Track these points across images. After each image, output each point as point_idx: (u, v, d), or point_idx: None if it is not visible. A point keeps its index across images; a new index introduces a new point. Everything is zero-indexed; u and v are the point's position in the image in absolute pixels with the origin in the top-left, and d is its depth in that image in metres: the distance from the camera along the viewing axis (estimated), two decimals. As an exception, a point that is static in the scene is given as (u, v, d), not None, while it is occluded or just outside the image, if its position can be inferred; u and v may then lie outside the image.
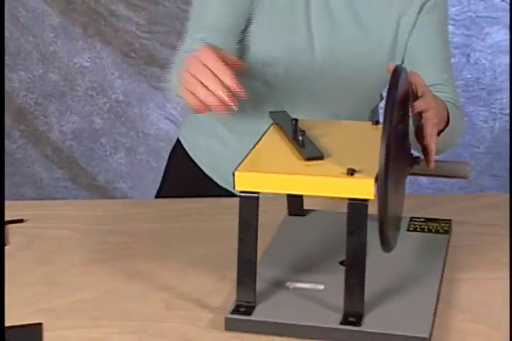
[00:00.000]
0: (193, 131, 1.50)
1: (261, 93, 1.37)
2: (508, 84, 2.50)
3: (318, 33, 1.32)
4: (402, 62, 1.36)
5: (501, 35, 2.48)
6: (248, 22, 1.30)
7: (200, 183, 1.46)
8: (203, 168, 1.47)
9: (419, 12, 1.34)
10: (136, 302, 1.06)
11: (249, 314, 0.98)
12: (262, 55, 1.33)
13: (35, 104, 2.58)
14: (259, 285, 1.00)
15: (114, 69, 2.55)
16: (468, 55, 2.51)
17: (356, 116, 1.37)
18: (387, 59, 1.34)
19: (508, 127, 2.53)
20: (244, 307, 0.99)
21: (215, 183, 1.46)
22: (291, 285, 1.04)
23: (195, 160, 1.48)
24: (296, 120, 1.06)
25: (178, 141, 1.53)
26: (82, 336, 0.99)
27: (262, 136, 1.08)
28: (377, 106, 1.47)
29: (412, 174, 1.04)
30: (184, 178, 1.50)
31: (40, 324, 1.01)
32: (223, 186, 1.44)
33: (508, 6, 2.45)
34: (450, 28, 2.46)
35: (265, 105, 1.35)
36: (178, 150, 1.52)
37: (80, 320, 1.03)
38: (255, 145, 1.05)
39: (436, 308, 1.00)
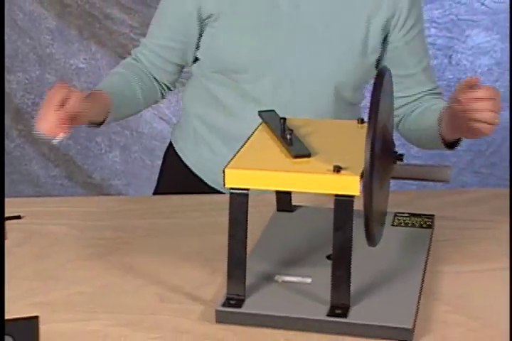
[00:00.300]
0: (182, 135, 1.50)
1: (243, 100, 1.36)
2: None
3: (287, 37, 1.31)
4: (379, 60, 1.36)
5: (481, 37, 2.49)
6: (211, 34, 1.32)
7: (192, 184, 1.46)
8: (193, 169, 1.47)
9: (401, 26, 1.33)
10: (130, 295, 1.06)
11: (240, 307, 0.98)
12: (234, 64, 1.33)
13: (32, 104, 2.56)
14: (249, 279, 1.00)
15: (109, 70, 2.52)
16: (450, 57, 2.51)
17: (337, 115, 1.36)
18: (358, 59, 1.33)
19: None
20: (234, 300, 0.98)
21: (206, 184, 1.45)
22: (279, 278, 1.04)
23: (186, 163, 1.48)
24: (284, 119, 1.06)
25: (170, 142, 1.54)
26: (78, 328, 0.99)
27: (252, 134, 1.08)
28: (360, 104, 1.46)
29: (395, 178, 1.04)
30: (177, 178, 1.50)
31: (36, 317, 1.01)
32: (214, 187, 1.44)
33: (488, 10, 2.46)
34: (433, 30, 2.48)
35: (248, 111, 1.35)
36: (171, 151, 1.53)
37: (75, 313, 1.02)
38: (244, 143, 1.05)
39: (419, 300, 1.01)
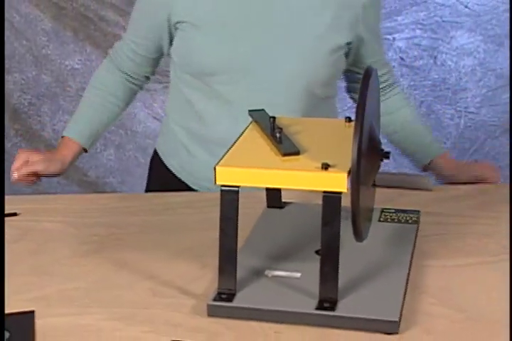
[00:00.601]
0: (164, 139, 1.51)
1: (215, 104, 1.36)
2: (471, 84, 2.51)
3: (256, 40, 1.31)
4: (348, 52, 1.37)
5: (465, 38, 2.49)
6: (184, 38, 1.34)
7: (176, 187, 1.45)
8: (175, 173, 1.47)
9: (367, 19, 1.35)
10: (124, 290, 1.06)
11: (230, 301, 0.98)
12: (206, 66, 1.33)
13: (29, 104, 2.55)
14: (240, 274, 1.00)
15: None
16: (435, 57, 2.52)
17: (310, 111, 1.36)
18: (327, 56, 1.33)
19: (470, 124, 2.55)
20: (225, 295, 0.98)
21: (190, 187, 1.45)
22: (269, 273, 1.04)
23: (168, 167, 1.48)
24: (273, 118, 1.06)
25: (155, 148, 1.55)
26: (73, 323, 0.98)
27: (242, 133, 1.08)
28: (334, 97, 1.47)
29: (378, 186, 1.04)
30: (163, 182, 1.50)
31: (32, 311, 1.00)
32: (197, 189, 1.44)
33: (471, 12, 2.46)
34: (418, 31, 2.48)
35: (221, 115, 1.35)
36: (155, 156, 1.54)
37: (70, 307, 1.02)
38: (235, 141, 1.05)
39: (405, 293, 1.00)
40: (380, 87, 1.43)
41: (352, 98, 1.52)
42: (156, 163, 1.53)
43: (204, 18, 1.31)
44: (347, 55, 1.37)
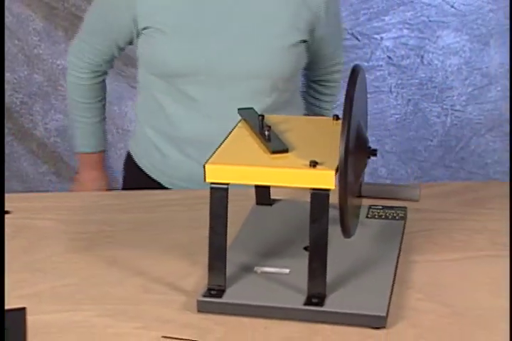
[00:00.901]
0: (136, 140, 1.51)
1: (184, 102, 1.36)
2: (457, 83, 2.52)
3: (219, 41, 1.31)
4: (308, 48, 1.39)
5: (451, 37, 2.50)
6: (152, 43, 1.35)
7: (150, 186, 1.45)
8: (148, 173, 1.47)
9: (326, 15, 1.37)
10: (115, 287, 1.05)
11: (220, 297, 0.97)
12: (171, 68, 1.33)
13: (21, 103, 2.54)
14: (229, 270, 0.99)
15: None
16: (422, 57, 2.52)
17: (277, 106, 1.36)
18: (288, 52, 1.34)
19: (456, 122, 2.56)
20: (215, 291, 0.98)
21: (166, 187, 1.45)
22: (258, 269, 1.04)
23: (142, 167, 1.48)
24: (262, 116, 1.06)
25: (128, 151, 1.55)
26: (65, 319, 0.98)
27: (231, 131, 1.08)
28: (297, 91, 1.48)
29: (365, 197, 1.04)
30: (139, 185, 1.49)
31: (24, 308, 0.99)
32: (170, 188, 1.44)
33: (457, 12, 2.47)
34: (405, 31, 2.48)
35: (189, 114, 1.35)
36: (129, 159, 1.53)
37: (62, 304, 1.01)
38: (224, 139, 1.04)
39: (392, 289, 1.01)
40: (329, 85, 1.49)
41: (308, 102, 1.53)
42: (130, 164, 1.53)
43: (167, 21, 1.31)
44: (308, 51, 1.39)
